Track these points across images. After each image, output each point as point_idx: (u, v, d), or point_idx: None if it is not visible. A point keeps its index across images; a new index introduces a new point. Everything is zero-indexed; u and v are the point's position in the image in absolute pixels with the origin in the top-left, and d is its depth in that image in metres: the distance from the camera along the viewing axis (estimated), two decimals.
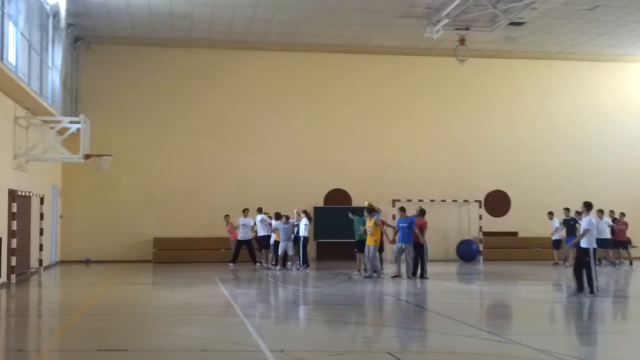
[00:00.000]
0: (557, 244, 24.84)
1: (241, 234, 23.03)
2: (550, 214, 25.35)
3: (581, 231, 15.14)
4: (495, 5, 22.02)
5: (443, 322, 12.05)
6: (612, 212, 25.05)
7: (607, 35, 25.90)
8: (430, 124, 28.40)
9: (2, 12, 15.91)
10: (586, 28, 25.06)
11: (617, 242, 24.47)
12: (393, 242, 20.08)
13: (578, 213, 22.06)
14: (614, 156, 29.34)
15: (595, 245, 15.11)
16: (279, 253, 22.10)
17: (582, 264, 14.92)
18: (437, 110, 28.47)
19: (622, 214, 25.12)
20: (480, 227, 27.67)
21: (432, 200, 27.33)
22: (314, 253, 25.96)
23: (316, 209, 26.52)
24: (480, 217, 27.81)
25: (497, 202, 28.34)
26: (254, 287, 18.47)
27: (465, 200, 28.08)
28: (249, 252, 23.25)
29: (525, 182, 28.56)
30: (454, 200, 27.92)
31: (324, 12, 23.11)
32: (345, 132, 27.77)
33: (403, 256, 19.34)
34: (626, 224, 24.86)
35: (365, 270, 19.64)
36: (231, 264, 22.91)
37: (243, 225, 23.02)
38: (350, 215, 21.35)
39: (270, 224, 22.53)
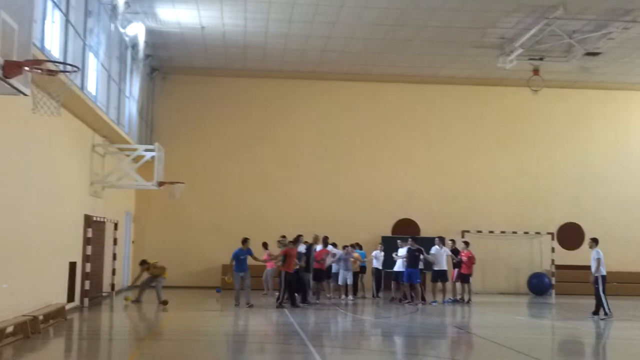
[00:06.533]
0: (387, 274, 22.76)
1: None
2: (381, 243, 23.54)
3: None
4: (571, 36, 21.66)
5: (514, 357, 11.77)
6: (466, 243, 22.84)
7: None
8: (501, 154, 28.01)
9: (84, 43, 16.50)
10: None
11: (462, 275, 22.04)
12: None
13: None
14: None
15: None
16: (339, 282, 22.16)
17: None
18: (508, 140, 28.07)
19: (467, 243, 22.79)
20: (553, 260, 26.99)
21: (502, 232, 26.87)
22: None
23: (384, 238, 26.38)
24: (553, 250, 27.15)
25: (570, 235, 27.61)
26: (321, 315, 18.41)
27: (537, 233, 27.48)
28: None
29: (600, 215, 27.72)
30: (525, 232, 27.37)
31: (396, 43, 23.14)
32: (415, 161, 27.63)
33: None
34: (469, 256, 22.11)
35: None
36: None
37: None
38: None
39: (334, 254, 22.55)
